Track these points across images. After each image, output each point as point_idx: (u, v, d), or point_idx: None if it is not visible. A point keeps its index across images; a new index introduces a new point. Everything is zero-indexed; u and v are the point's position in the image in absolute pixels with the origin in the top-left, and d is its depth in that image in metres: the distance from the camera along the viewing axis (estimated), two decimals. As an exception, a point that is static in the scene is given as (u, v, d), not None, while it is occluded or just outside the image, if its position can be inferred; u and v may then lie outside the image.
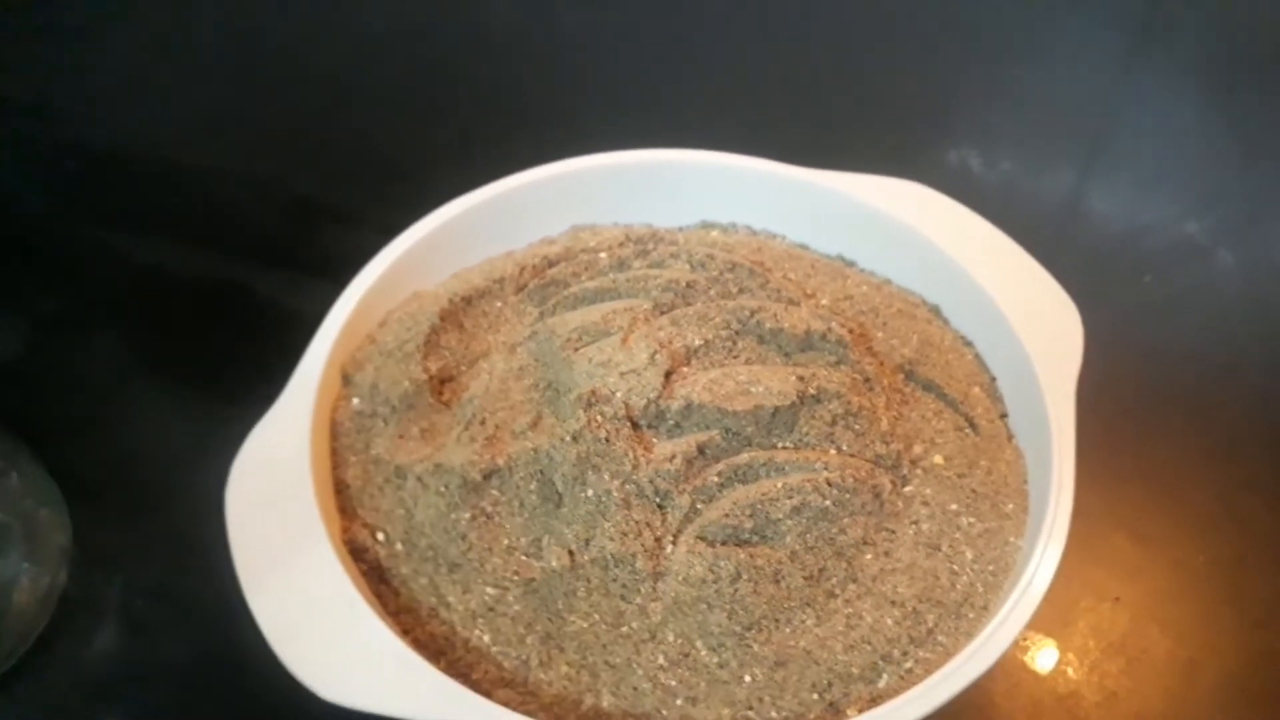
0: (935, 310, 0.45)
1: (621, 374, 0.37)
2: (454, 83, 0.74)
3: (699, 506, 0.36)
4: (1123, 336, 0.53)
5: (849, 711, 0.33)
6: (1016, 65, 0.74)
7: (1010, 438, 0.41)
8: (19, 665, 0.44)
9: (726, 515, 0.35)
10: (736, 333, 0.40)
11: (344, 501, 0.39)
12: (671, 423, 0.37)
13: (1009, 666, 0.43)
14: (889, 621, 0.34)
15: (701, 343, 0.39)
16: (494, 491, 0.37)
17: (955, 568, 0.36)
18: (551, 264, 0.46)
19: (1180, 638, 0.44)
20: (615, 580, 0.35)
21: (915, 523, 0.37)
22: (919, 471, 0.39)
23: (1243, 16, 0.75)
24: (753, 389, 0.37)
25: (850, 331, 0.40)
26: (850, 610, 0.35)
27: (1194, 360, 0.55)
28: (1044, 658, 0.44)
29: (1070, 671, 0.43)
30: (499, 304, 0.45)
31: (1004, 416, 0.41)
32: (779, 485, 0.35)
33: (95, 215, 0.65)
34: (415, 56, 0.75)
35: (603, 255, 0.45)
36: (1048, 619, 0.45)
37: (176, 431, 0.53)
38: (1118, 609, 0.45)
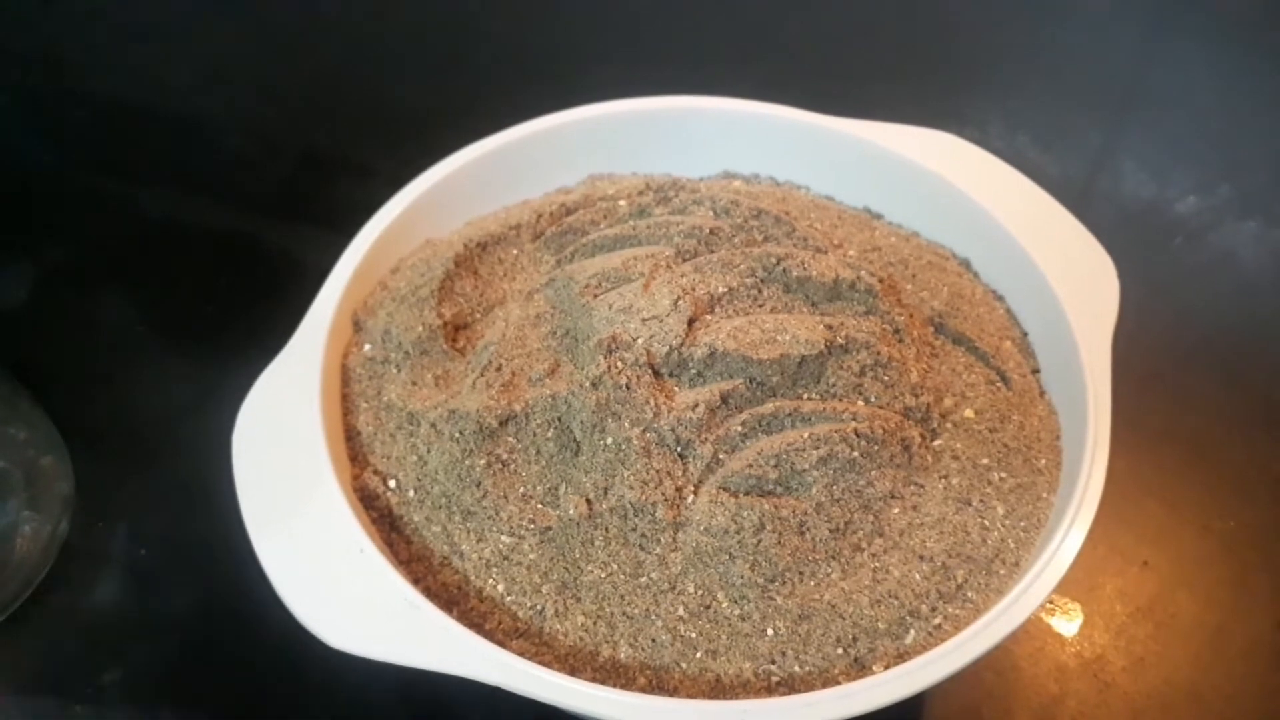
0: (966, 263, 0.44)
1: (643, 320, 0.36)
2: (469, 31, 0.72)
3: (721, 456, 0.35)
4: (1153, 299, 0.52)
5: (874, 667, 0.32)
6: (1045, 24, 0.72)
7: (1042, 393, 0.39)
8: (20, 613, 0.44)
9: (750, 465, 0.34)
10: (762, 280, 0.38)
11: (355, 448, 0.38)
12: (694, 371, 0.36)
13: (1034, 629, 0.42)
14: (917, 576, 0.33)
15: (726, 290, 0.38)
16: (510, 438, 0.36)
17: (986, 523, 0.35)
18: (569, 211, 0.44)
19: (1209, 603, 0.43)
20: (634, 529, 0.34)
21: (945, 477, 0.36)
22: (949, 425, 0.37)
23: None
24: (779, 337, 0.36)
25: (880, 281, 0.39)
26: (877, 564, 0.34)
27: (1225, 324, 0.54)
28: (1069, 621, 0.43)
29: (1097, 635, 0.42)
30: (515, 251, 0.44)
31: (1036, 372, 0.40)
32: (805, 435, 0.34)
33: (102, 165, 0.64)
34: (430, 4, 0.74)
35: (622, 203, 0.44)
36: (1074, 582, 0.44)
37: (182, 381, 0.52)
38: (1146, 573, 0.44)
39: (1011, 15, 0.73)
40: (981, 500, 0.35)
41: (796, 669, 0.32)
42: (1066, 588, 0.43)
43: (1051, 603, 0.43)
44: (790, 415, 0.35)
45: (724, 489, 0.34)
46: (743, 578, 0.33)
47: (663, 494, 0.34)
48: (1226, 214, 0.59)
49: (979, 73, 0.69)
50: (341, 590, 0.32)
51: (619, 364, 0.35)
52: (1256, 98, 0.67)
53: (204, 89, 0.69)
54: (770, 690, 0.32)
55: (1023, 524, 0.35)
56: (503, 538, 0.34)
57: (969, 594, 0.33)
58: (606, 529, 0.34)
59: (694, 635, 0.32)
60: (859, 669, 0.32)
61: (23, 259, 0.59)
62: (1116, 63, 0.69)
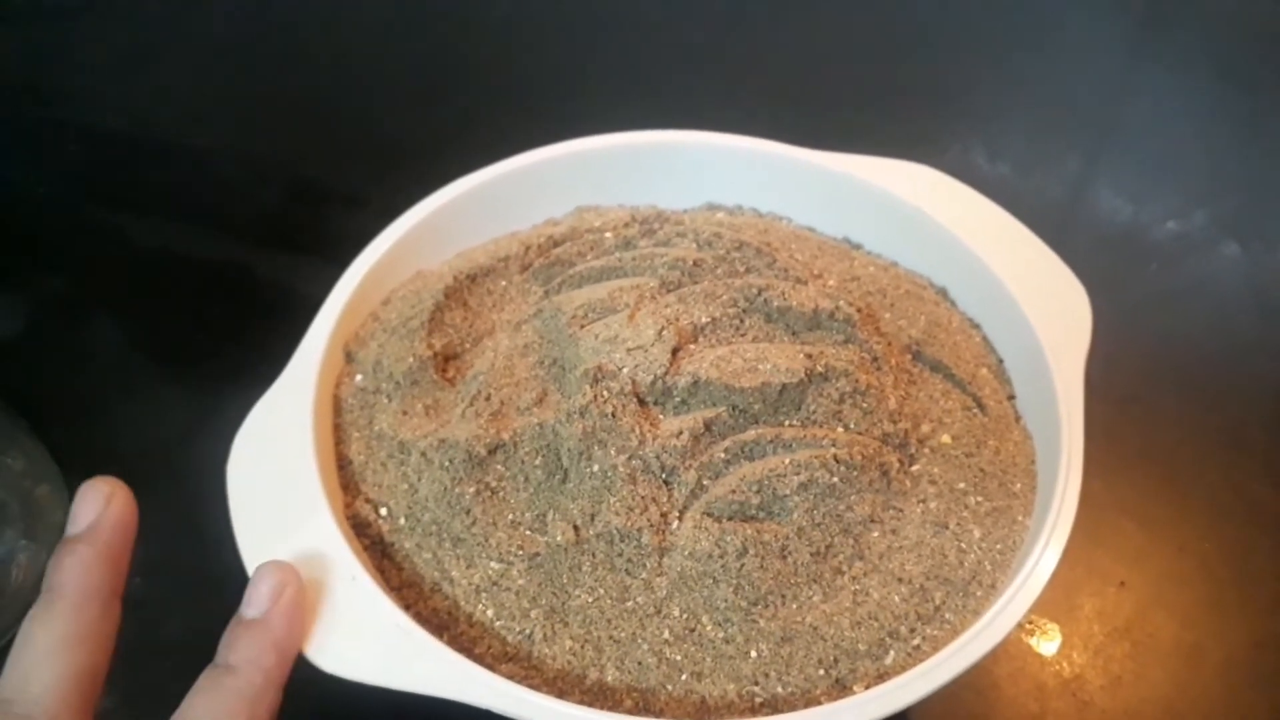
0: (943, 292, 0.45)
1: (628, 350, 0.37)
2: (459, 64, 0.74)
3: (705, 483, 0.35)
4: (1129, 324, 0.53)
5: (855, 688, 0.33)
6: (1024, 54, 0.74)
7: (1018, 419, 0.40)
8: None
9: (733, 491, 0.35)
10: (744, 310, 0.39)
11: (346, 477, 0.39)
12: (678, 399, 0.37)
13: (1013, 649, 0.43)
14: (896, 599, 0.34)
15: (709, 320, 0.39)
16: (499, 466, 0.36)
17: (963, 546, 0.36)
18: (557, 243, 0.45)
19: (1186, 622, 0.44)
20: (620, 555, 0.34)
21: (923, 501, 0.37)
22: (926, 450, 0.38)
23: (1248, 5, 0.75)
24: (760, 366, 0.37)
25: (858, 311, 0.40)
26: (857, 587, 0.35)
27: (1200, 348, 0.55)
28: (1048, 641, 0.44)
29: (1075, 655, 0.43)
30: (504, 283, 0.45)
31: (1011, 398, 0.41)
32: (786, 462, 0.35)
33: (96, 196, 0.65)
34: (419, 37, 0.75)
35: (608, 235, 0.45)
36: (1052, 603, 0.45)
37: (177, 410, 0.53)
38: (1123, 593, 0.45)
39: (991, 45, 0.75)
40: (958, 524, 0.36)
41: (779, 690, 0.33)
42: (1045, 608, 0.44)
43: (1030, 623, 0.44)
44: (772, 442, 0.36)
45: (708, 514, 0.35)
46: (726, 601, 0.34)
47: (648, 520, 0.34)
48: (1202, 240, 0.61)
49: (959, 101, 0.70)
50: (335, 617, 0.33)
51: (605, 393, 0.36)
52: (1232, 125, 0.68)
53: (196, 119, 0.70)
54: (754, 711, 0.32)
55: (999, 546, 0.36)
56: (492, 564, 0.35)
57: (947, 615, 0.34)
58: (593, 554, 0.35)
59: (679, 658, 0.33)
60: (840, 689, 0.33)
61: (17, 289, 0.60)
62: (1095, 91, 0.71)
